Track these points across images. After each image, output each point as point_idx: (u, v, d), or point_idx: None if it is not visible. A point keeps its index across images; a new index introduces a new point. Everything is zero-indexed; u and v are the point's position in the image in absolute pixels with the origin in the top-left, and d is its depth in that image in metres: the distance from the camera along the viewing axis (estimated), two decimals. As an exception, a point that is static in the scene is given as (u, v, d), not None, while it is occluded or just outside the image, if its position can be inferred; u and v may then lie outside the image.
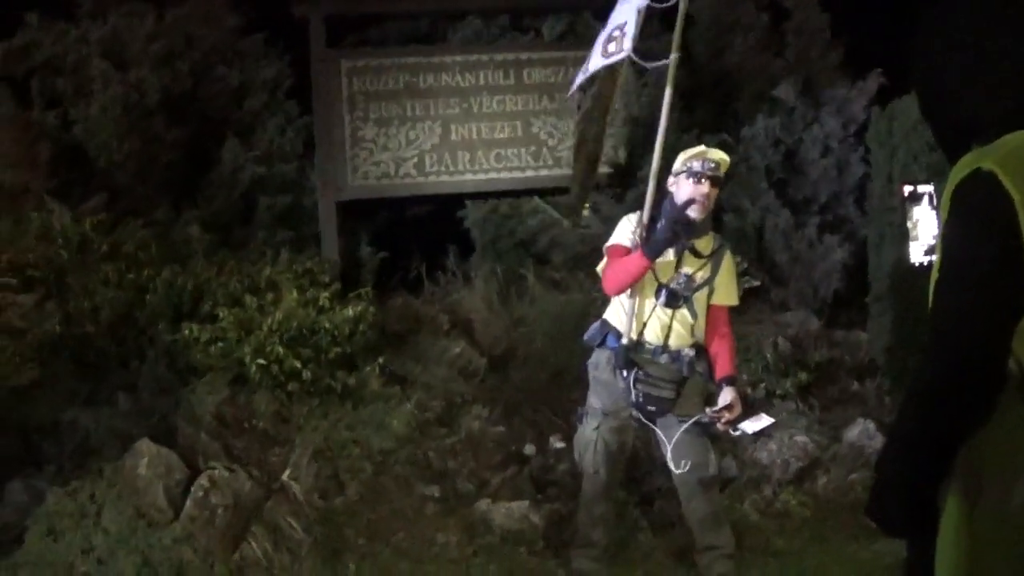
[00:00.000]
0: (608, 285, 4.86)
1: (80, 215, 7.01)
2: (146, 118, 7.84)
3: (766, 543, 5.53)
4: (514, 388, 6.92)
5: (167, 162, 7.96)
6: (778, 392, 6.62)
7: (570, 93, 5.92)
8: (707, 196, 4.73)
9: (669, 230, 4.63)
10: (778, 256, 8.01)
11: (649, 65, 5.05)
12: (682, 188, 4.76)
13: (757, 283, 7.27)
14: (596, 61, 5.18)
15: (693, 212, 4.71)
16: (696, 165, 4.72)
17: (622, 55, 4.99)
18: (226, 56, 8.51)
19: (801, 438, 6.28)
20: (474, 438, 6.33)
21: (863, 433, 6.31)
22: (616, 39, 5.03)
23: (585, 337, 5.05)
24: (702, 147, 4.87)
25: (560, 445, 6.41)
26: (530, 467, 6.23)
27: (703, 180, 4.71)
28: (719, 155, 4.79)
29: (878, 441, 6.23)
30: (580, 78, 5.32)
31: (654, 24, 5.55)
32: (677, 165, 4.83)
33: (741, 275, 6.99)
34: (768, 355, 6.81)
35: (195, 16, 8.45)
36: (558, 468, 6.19)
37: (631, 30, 4.93)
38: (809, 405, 6.61)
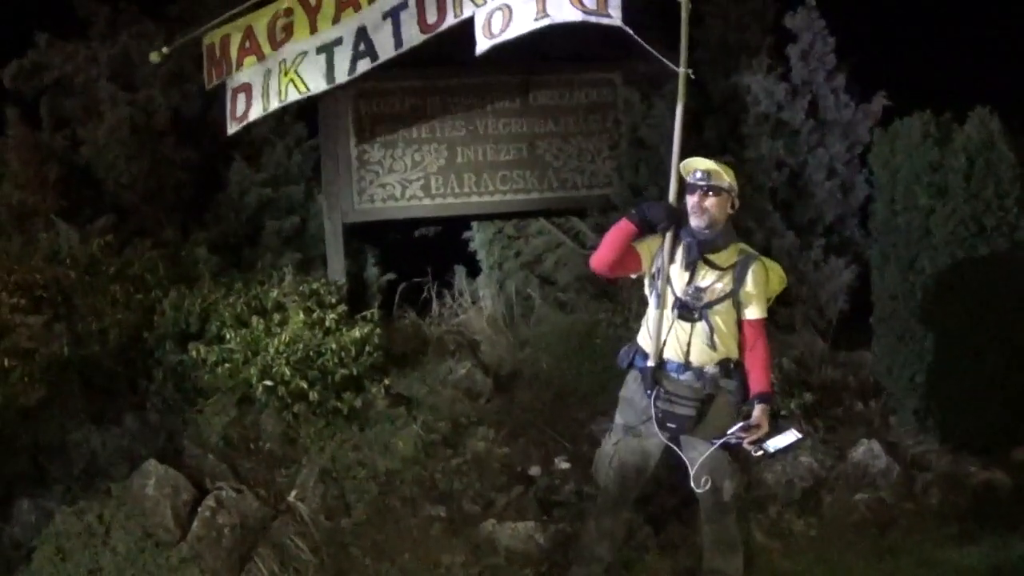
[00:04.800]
0: (595, 256, 4.83)
1: (88, 236, 7.05)
2: (154, 139, 7.87)
3: (771, 564, 5.53)
4: (520, 409, 6.94)
5: (175, 183, 7.99)
6: (783, 413, 6.61)
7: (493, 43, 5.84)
8: (700, 206, 4.75)
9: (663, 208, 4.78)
10: (783, 277, 7.99)
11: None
12: (687, 200, 4.83)
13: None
14: (567, 11, 4.93)
15: (693, 221, 4.77)
16: (689, 178, 4.80)
17: (610, 21, 4.84)
18: (235, 77, 8.53)
19: (806, 459, 6.29)
20: (480, 459, 6.35)
21: (868, 453, 6.31)
22: None
23: (618, 361, 5.03)
24: (693, 159, 4.88)
25: (566, 466, 6.43)
26: (536, 488, 6.22)
27: (695, 191, 4.76)
28: (705, 164, 4.81)
29: (882, 461, 6.25)
30: (538, 24, 5.16)
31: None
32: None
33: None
34: (773, 376, 6.81)
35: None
36: (564, 489, 6.19)
37: None
38: (814, 426, 6.60)
